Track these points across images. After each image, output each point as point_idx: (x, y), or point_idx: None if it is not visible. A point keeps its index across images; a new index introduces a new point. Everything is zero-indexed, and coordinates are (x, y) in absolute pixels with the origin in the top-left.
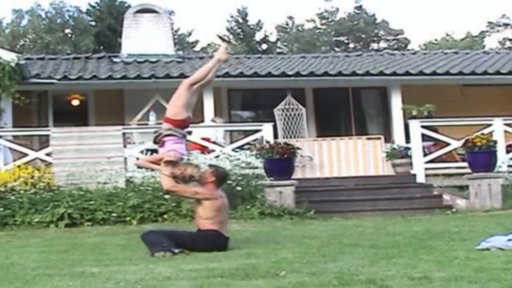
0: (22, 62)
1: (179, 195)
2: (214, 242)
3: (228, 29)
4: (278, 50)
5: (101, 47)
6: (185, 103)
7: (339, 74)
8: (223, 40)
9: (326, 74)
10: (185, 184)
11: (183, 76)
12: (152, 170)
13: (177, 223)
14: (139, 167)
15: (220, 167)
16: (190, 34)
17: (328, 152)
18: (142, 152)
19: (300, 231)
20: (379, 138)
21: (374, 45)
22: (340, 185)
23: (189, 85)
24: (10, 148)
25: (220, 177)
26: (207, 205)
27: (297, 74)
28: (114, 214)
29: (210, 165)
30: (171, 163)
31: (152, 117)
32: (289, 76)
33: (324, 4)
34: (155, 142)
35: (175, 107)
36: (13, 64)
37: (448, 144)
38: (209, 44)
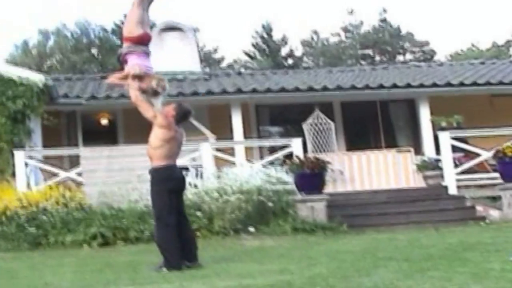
0: (50, 82)
1: (141, 111)
2: (169, 176)
3: (253, 45)
4: (304, 64)
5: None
6: (138, 19)
7: (366, 87)
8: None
9: (353, 87)
10: (150, 98)
11: (210, 93)
12: (121, 86)
13: (210, 240)
14: None
15: (184, 104)
16: (215, 51)
17: (358, 165)
18: None
19: (334, 245)
20: (409, 151)
21: (400, 57)
22: (371, 198)
23: (138, 3)
24: (40, 169)
25: (181, 113)
26: (159, 133)
27: (324, 88)
28: (147, 233)
29: (176, 102)
30: (138, 77)
31: None
32: (316, 90)
33: (348, 17)
34: (118, 61)
35: (129, 25)
36: (41, 85)
37: (478, 154)
38: (235, 61)
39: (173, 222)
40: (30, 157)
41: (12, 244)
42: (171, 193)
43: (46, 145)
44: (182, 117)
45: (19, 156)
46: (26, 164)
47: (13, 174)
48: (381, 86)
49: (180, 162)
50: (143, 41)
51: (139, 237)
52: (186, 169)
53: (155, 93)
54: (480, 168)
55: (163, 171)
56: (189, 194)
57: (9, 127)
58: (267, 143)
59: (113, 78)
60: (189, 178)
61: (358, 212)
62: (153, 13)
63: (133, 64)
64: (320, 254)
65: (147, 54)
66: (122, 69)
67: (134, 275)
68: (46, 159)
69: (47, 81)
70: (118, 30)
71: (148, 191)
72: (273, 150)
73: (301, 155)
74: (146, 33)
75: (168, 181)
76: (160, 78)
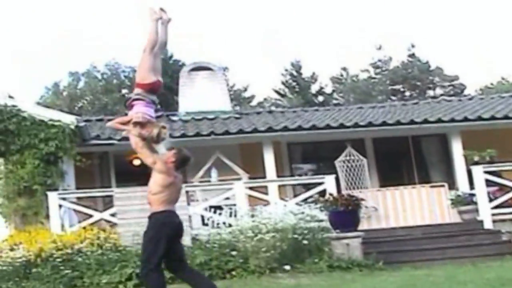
0: (82, 124)
1: (141, 157)
2: (168, 222)
3: (283, 83)
4: (334, 101)
5: (159, 106)
6: (150, 66)
7: (398, 123)
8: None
9: (384, 123)
10: (152, 146)
11: (242, 132)
12: (122, 131)
13: (245, 279)
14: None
15: (184, 150)
16: (245, 89)
17: (392, 201)
18: (206, 209)
19: (370, 283)
20: (442, 186)
21: (430, 92)
22: (407, 235)
23: (149, 50)
24: (74, 210)
25: (181, 160)
26: (158, 179)
27: (356, 125)
28: None
29: (176, 148)
30: (139, 125)
31: (214, 174)
32: (348, 127)
33: (377, 53)
34: (125, 106)
35: (142, 72)
36: (72, 127)
37: None
38: (265, 99)
39: (159, 268)
40: (64, 199)
41: (48, 286)
42: (169, 238)
43: (79, 186)
44: (181, 163)
45: (53, 198)
46: (60, 206)
47: (47, 216)
48: (412, 122)
49: (213, 201)
50: (153, 88)
51: (173, 277)
52: (220, 208)
53: (156, 141)
54: None
55: (162, 217)
56: (223, 233)
57: (42, 170)
58: (300, 181)
59: (115, 122)
60: (223, 218)
61: (393, 249)
62: (182, 54)
63: (137, 111)
64: None
65: (154, 103)
66: (126, 114)
67: None
68: (80, 200)
69: (78, 123)
70: None
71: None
72: (305, 187)
73: (335, 192)
74: (158, 81)
75: (166, 227)
76: (160, 126)
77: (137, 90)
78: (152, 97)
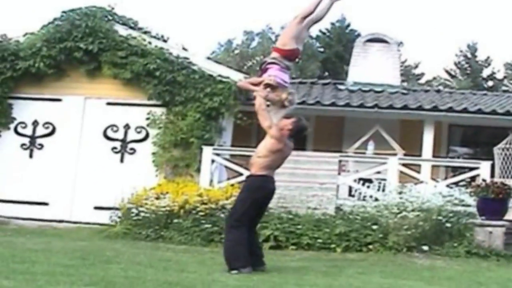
0: None
1: (260, 119)
2: (263, 187)
3: (455, 64)
4: (504, 88)
5: (327, 74)
6: (295, 35)
7: None
8: None
9: None
10: (276, 109)
11: (406, 108)
12: (252, 91)
13: (381, 254)
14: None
15: (303, 120)
16: (416, 66)
17: None
18: (355, 181)
19: (506, 273)
20: None
21: None
22: None
23: (300, 19)
24: (226, 167)
25: (297, 129)
26: (268, 143)
27: None
28: (319, 240)
29: (296, 117)
30: (270, 87)
31: (371, 147)
32: None
33: None
34: (260, 69)
35: (285, 38)
36: None
37: None
38: (434, 78)
39: (245, 228)
40: (217, 154)
41: (186, 237)
42: (259, 202)
43: (235, 144)
44: (297, 133)
45: (207, 152)
46: (212, 161)
47: (198, 170)
48: None
49: (364, 174)
50: (291, 56)
51: (311, 244)
52: (370, 181)
53: (283, 106)
54: None
55: (259, 181)
56: (368, 206)
57: (201, 123)
58: (456, 163)
59: (245, 83)
60: (371, 191)
61: None
62: (359, 24)
63: (271, 74)
64: (491, 281)
65: (288, 69)
66: (260, 75)
67: (300, 281)
68: (232, 158)
69: None
70: (322, 37)
71: (329, 200)
72: (456, 170)
73: (488, 179)
74: (297, 49)
75: (260, 191)
76: (290, 92)
77: (273, 54)
78: (288, 63)
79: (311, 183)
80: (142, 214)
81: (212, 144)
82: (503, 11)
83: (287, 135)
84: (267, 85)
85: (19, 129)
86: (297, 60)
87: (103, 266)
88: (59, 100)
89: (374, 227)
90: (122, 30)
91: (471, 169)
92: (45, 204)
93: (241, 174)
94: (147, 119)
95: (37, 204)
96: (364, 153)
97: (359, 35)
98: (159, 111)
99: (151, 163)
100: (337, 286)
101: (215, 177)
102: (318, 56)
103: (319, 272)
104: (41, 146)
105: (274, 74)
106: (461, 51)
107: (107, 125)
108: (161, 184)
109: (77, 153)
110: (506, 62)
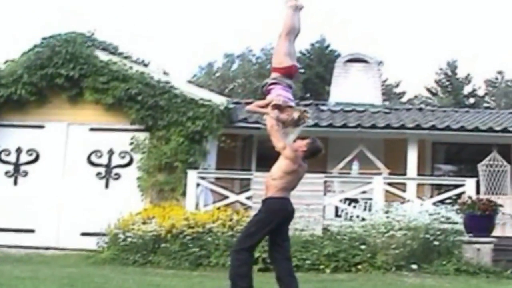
0: (231, 106)
1: (273, 140)
2: (283, 209)
3: (436, 81)
4: (485, 104)
5: (308, 95)
6: (287, 51)
7: None
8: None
9: None
10: (289, 128)
11: (389, 127)
12: (261, 114)
13: (370, 274)
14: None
15: (317, 141)
16: (397, 85)
17: None
18: (341, 201)
19: None
20: None
21: None
22: None
23: (285, 35)
24: (211, 190)
25: (312, 150)
26: (283, 164)
27: (505, 130)
28: (308, 261)
29: (311, 138)
30: (278, 107)
31: (355, 167)
32: (496, 131)
33: None
34: (262, 92)
35: (279, 56)
36: (222, 108)
37: None
38: (416, 96)
39: (250, 251)
40: (202, 178)
41: (174, 262)
42: (277, 225)
43: (219, 167)
44: (312, 154)
45: (192, 176)
46: (198, 185)
47: (183, 193)
48: None
49: (350, 194)
50: (290, 73)
51: (300, 265)
52: (356, 201)
53: (296, 124)
54: None
55: (278, 203)
56: (355, 226)
57: (185, 147)
58: (441, 181)
59: (254, 106)
60: (357, 211)
61: None
62: (338, 45)
63: (277, 94)
64: None
65: (290, 87)
66: (263, 98)
67: None
68: (217, 181)
69: (228, 104)
70: (302, 58)
71: (316, 220)
72: (441, 188)
73: (474, 196)
74: (294, 65)
75: (279, 214)
76: (302, 110)
77: (273, 75)
78: (289, 81)
79: (297, 204)
80: (129, 239)
81: (196, 168)
82: (481, 29)
83: (302, 156)
84: (275, 106)
85: (3, 157)
86: (296, 76)
87: None
88: (42, 126)
89: (362, 247)
90: (103, 56)
91: (456, 186)
92: (31, 231)
93: (226, 197)
94: (131, 143)
95: (23, 232)
96: (349, 173)
97: (339, 55)
98: (142, 135)
99: (136, 188)
100: None
101: (201, 201)
102: (299, 77)
103: None
104: (26, 173)
105: (280, 93)
106: (441, 69)
107: (91, 150)
108: (147, 208)
109: (61, 180)
110: (487, 79)
